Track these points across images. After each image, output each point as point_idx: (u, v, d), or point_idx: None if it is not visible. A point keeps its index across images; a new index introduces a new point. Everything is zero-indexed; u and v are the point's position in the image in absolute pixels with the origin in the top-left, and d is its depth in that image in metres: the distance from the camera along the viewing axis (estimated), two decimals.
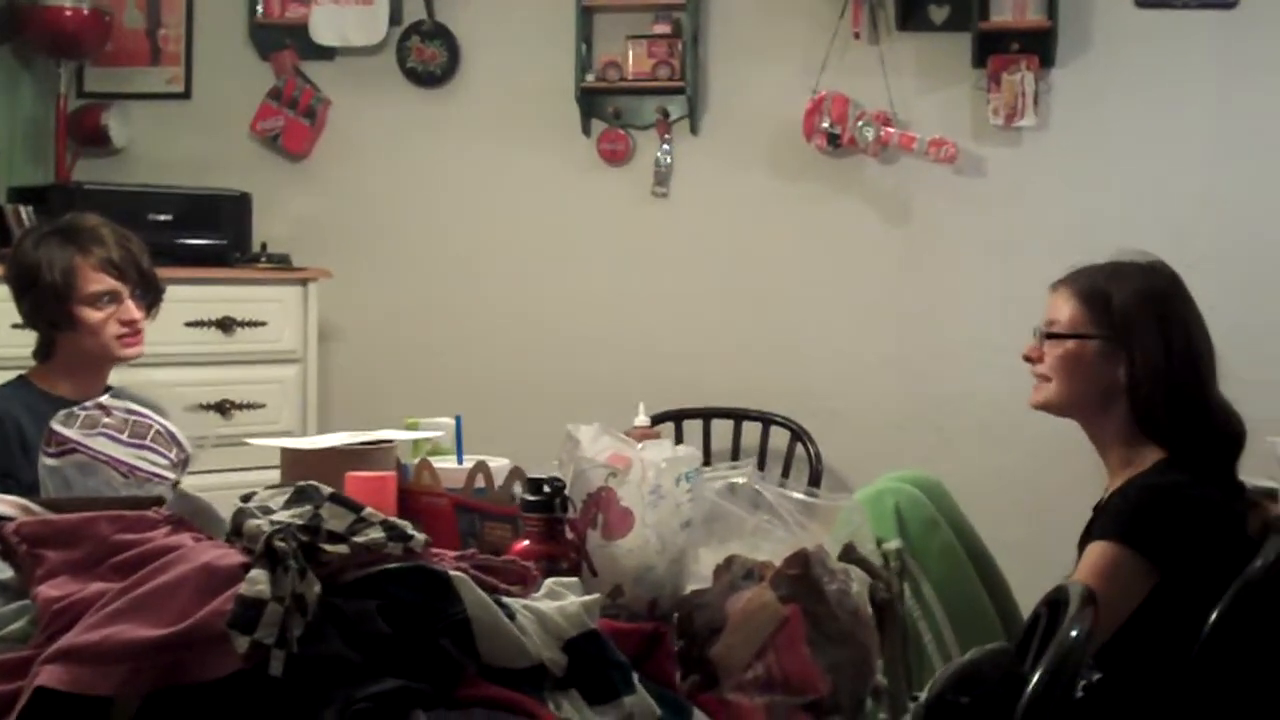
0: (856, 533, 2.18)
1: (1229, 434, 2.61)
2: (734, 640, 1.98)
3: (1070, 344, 2.64)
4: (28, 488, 2.50)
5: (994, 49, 4.53)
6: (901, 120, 4.59)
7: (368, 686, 1.45)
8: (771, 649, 1.97)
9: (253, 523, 1.56)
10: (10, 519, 1.78)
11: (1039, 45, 4.50)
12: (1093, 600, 2.00)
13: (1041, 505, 4.16)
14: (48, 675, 1.44)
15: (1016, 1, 4.47)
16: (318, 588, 1.51)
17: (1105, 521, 2.58)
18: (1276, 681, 2.38)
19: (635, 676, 1.73)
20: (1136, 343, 2.58)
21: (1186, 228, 4.36)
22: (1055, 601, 2.05)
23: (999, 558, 2.86)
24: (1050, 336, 2.67)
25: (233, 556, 1.55)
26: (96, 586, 1.58)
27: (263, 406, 4.31)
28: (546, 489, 2.06)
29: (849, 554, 2.10)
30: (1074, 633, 1.87)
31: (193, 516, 1.71)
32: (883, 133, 4.57)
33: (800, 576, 2.01)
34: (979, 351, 4.40)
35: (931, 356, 4.61)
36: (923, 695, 1.82)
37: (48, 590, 1.59)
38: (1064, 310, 2.66)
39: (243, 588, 1.46)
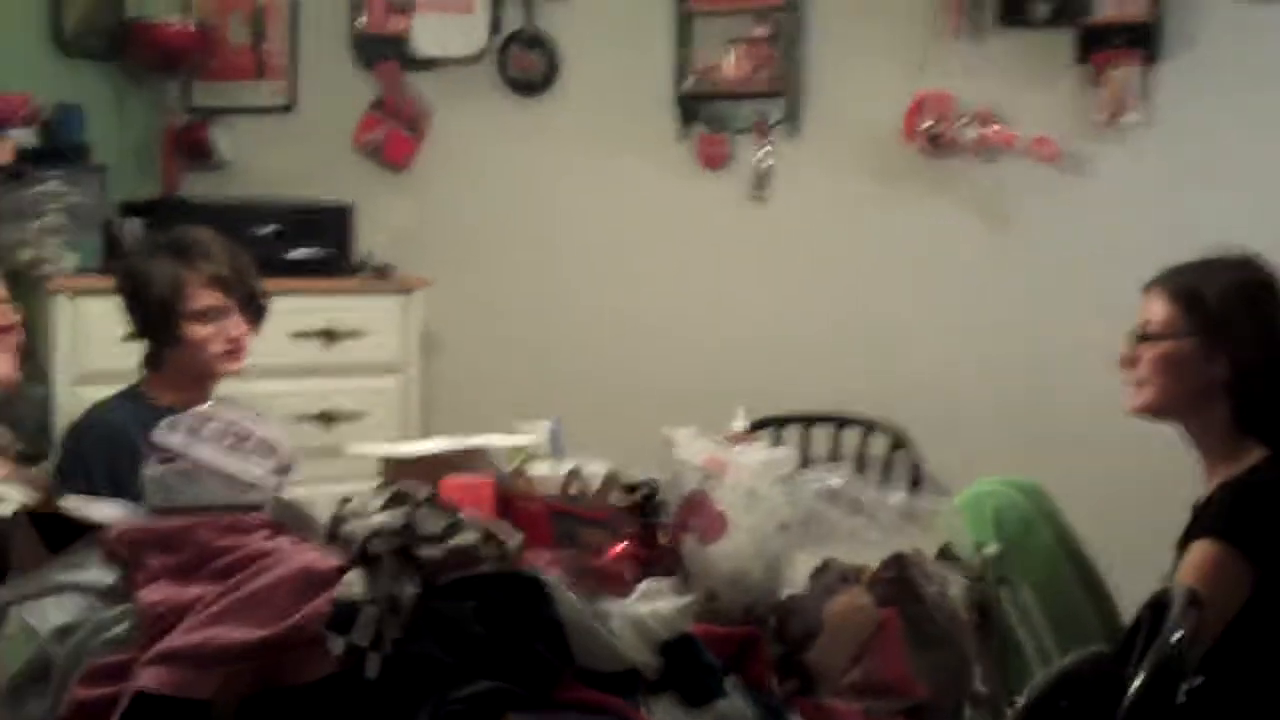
0: (954, 536, 2.16)
1: None
2: (830, 645, 1.97)
3: (1166, 344, 2.60)
4: (137, 498, 2.55)
5: (1097, 44, 4.46)
6: (1003, 119, 4.54)
7: (462, 688, 1.47)
8: (868, 653, 1.96)
9: (349, 526, 1.58)
10: (114, 526, 1.81)
11: (1143, 40, 4.42)
12: (1197, 603, 1.97)
13: (1142, 509, 4.07)
14: (148, 677, 1.47)
15: None
16: (413, 590, 1.52)
17: (1206, 521, 2.55)
18: None
19: (729, 681, 1.73)
20: (1233, 339, 2.55)
21: None
22: (1158, 604, 2.02)
23: (1101, 563, 2.82)
24: (1145, 338, 2.64)
25: (330, 560, 1.57)
26: (196, 590, 1.61)
27: (365, 417, 4.35)
28: (642, 492, 2.07)
29: (946, 555, 2.09)
30: (1176, 635, 1.84)
31: (291, 522, 1.73)
32: (984, 132, 4.52)
33: (897, 580, 2.00)
34: (1083, 355, 4.31)
35: (1034, 360, 4.55)
36: (1022, 699, 1.80)
37: (149, 594, 1.62)
38: (1158, 311, 2.63)
39: (339, 590, 1.48)
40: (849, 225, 4.72)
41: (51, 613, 1.69)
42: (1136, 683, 1.76)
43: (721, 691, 1.67)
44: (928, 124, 4.56)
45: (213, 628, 1.50)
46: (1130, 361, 2.69)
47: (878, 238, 4.70)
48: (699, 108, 4.80)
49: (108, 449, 3.13)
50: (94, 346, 3.98)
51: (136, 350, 3.38)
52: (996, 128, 4.50)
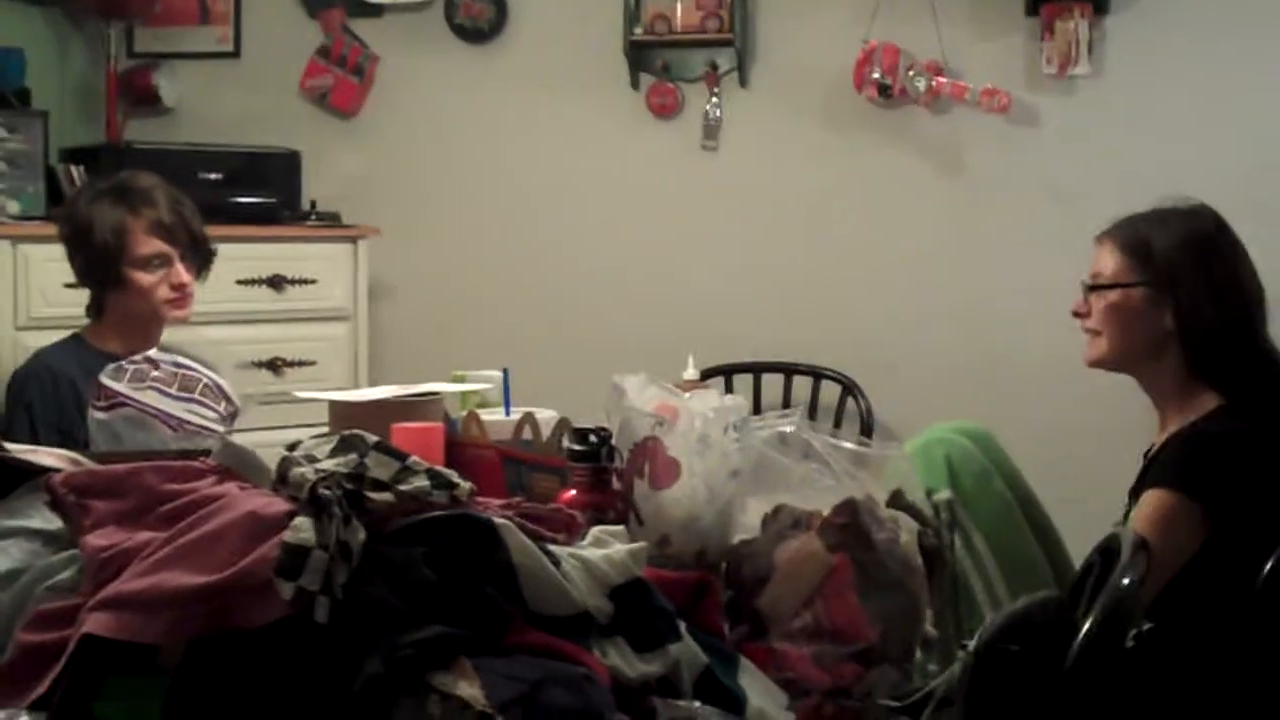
0: (905, 482, 2.17)
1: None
2: (782, 589, 1.97)
3: (1115, 294, 2.63)
4: (83, 444, 2.52)
5: None
6: (953, 70, 4.54)
7: (413, 633, 1.45)
8: (819, 598, 1.96)
9: (298, 470, 1.56)
10: (58, 471, 1.79)
11: None
12: (1145, 548, 1.98)
13: (1093, 456, 4.12)
14: (95, 623, 1.45)
15: None
16: (363, 535, 1.51)
17: (1159, 469, 2.57)
18: None
19: (682, 625, 1.73)
20: (1182, 288, 2.57)
21: (1243, 176, 4.29)
22: (1108, 549, 2.03)
23: (1050, 510, 2.84)
24: (1095, 289, 2.65)
25: (278, 504, 1.55)
26: (143, 536, 1.59)
27: (314, 364, 4.33)
28: (593, 439, 2.06)
29: (897, 500, 2.09)
30: (1126, 579, 1.85)
31: (239, 466, 1.71)
32: (934, 83, 4.52)
33: (848, 525, 2.00)
34: (1032, 304, 4.35)
35: (984, 309, 4.57)
36: (972, 643, 1.80)
37: (95, 540, 1.60)
38: (1108, 262, 2.65)
39: (288, 535, 1.46)
40: (800, 174, 4.72)
41: None
42: (1086, 625, 1.77)
43: (674, 635, 1.67)
44: (877, 74, 4.55)
45: (160, 573, 1.48)
46: (1083, 311, 2.71)
47: (828, 187, 4.71)
48: (649, 56, 4.78)
49: (52, 395, 3.12)
50: (36, 293, 3.94)
51: (80, 297, 3.36)
52: (946, 79, 4.50)
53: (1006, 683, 1.78)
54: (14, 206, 4.10)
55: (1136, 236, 2.66)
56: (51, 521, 1.72)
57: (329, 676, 1.44)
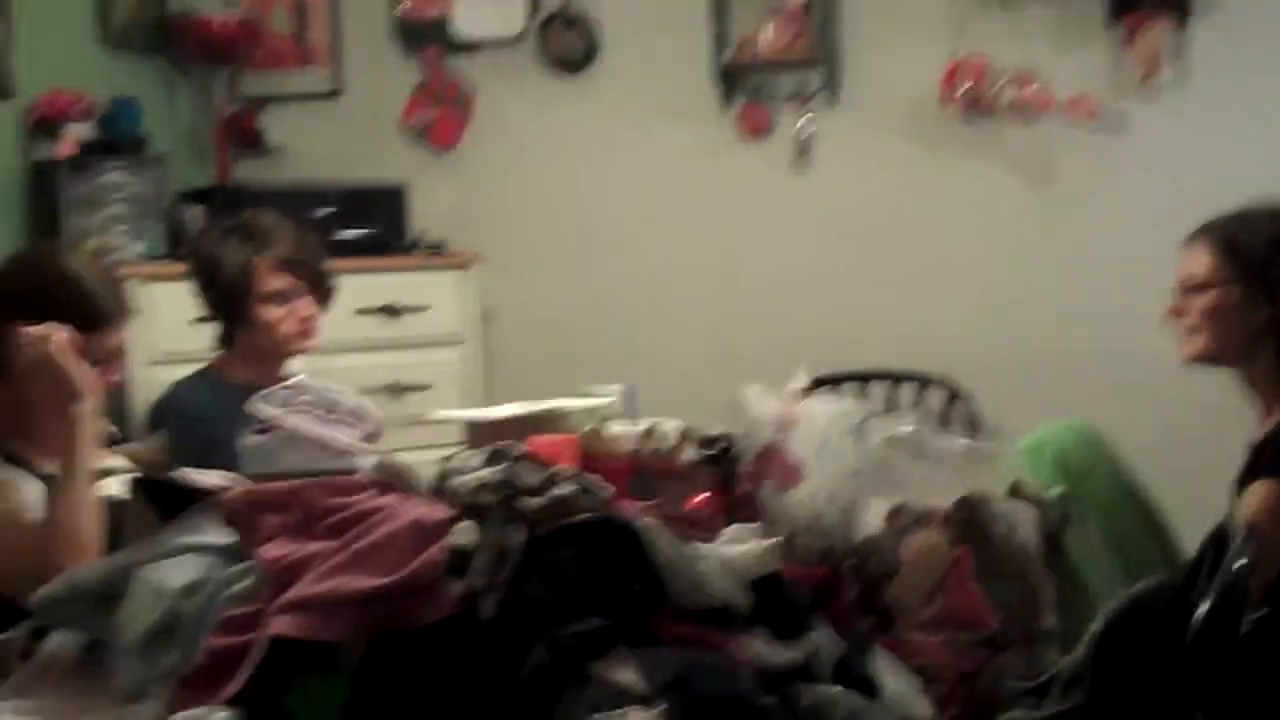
0: (1020, 476, 2.26)
1: None
2: (907, 582, 2.07)
3: (1210, 294, 2.69)
4: (220, 468, 2.64)
5: (1128, 6, 4.51)
6: (1039, 81, 4.60)
7: (572, 626, 1.56)
8: (943, 590, 2.06)
9: (457, 480, 1.68)
10: (226, 490, 1.92)
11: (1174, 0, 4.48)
12: (1255, 535, 2.06)
13: (1197, 450, 4.15)
14: (282, 624, 1.57)
15: None
16: (521, 536, 1.62)
17: (1264, 460, 2.62)
18: None
19: (816, 617, 1.83)
20: (1276, 284, 2.63)
21: None
22: (1219, 537, 2.11)
23: (1163, 502, 2.90)
24: (1190, 290, 2.72)
25: (439, 512, 1.67)
26: (314, 545, 1.71)
27: (430, 387, 4.45)
28: (719, 445, 2.16)
29: (1018, 491, 2.18)
30: (1238, 564, 1.93)
31: (396, 479, 1.83)
32: (1021, 93, 4.59)
33: (968, 520, 2.09)
34: (1128, 305, 4.38)
35: (1081, 312, 4.62)
36: (1094, 626, 1.89)
37: (269, 551, 1.72)
38: (1201, 262, 2.72)
39: (453, 538, 1.58)
40: (891, 189, 4.79)
41: (176, 572, 1.79)
42: (1202, 609, 1.85)
43: (810, 625, 1.77)
44: (965, 88, 4.62)
45: (338, 577, 1.60)
46: (1179, 312, 2.77)
47: (920, 200, 4.77)
48: (739, 79, 4.87)
49: (188, 424, 3.24)
50: (164, 329, 4.06)
51: (206, 331, 3.47)
52: (1034, 88, 4.57)
53: (1128, 663, 1.86)
54: (139, 247, 4.26)
55: (1228, 236, 2.73)
56: (224, 537, 1.84)
57: (496, 667, 1.55)
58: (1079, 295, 4.63)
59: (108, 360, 2.53)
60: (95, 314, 2.49)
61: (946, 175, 4.74)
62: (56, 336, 2.39)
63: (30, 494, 2.48)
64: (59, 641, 1.91)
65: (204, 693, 1.62)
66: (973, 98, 4.62)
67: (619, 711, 1.50)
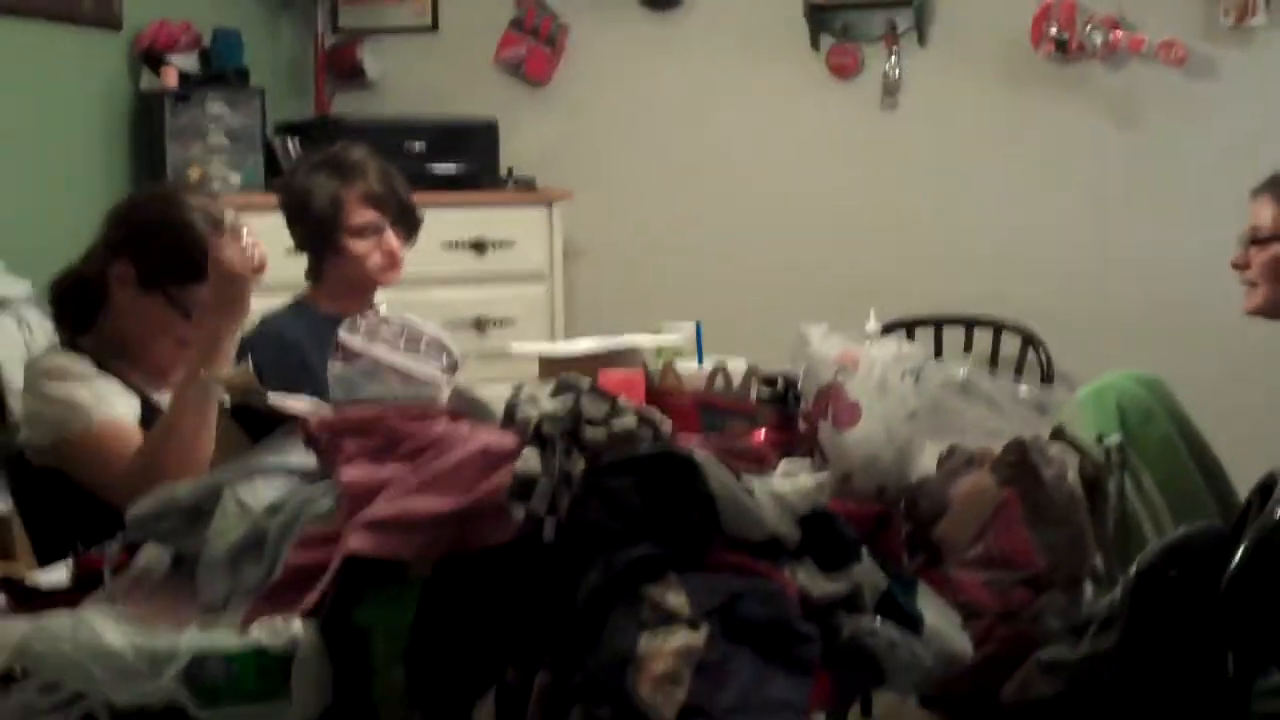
0: (1073, 424, 2.32)
1: None
2: (956, 522, 2.15)
3: (1275, 247, 2.72)
4: (311, 395, 2.77)
5: None
6: (1130, 23, 4.61)
7: (627, 551, 1.66)
8: (991, 530, 2.13)
9: (524, 411, 1.78)
10: (309, 415, 2.03)
11: None
12: None
13: (1264, 402, 4.19)
14: (357, 541, 1.69)
15: None
16: (582, 465, 1.72)
17: None
18: None
19: (864, 551, 1.92)
20: None
21: None
22: (1265, 486, 2.17)
23: (1223, 453, 2.95)
24: (1255, 242, 2.76)
25: (507, 440, 1.77)
26: (390, 469, 1.82)
27: (514, 322, 4.56)
28: (781, 384, 2.25)
29: (1058, 435, 2.25)
30: (1278, 513, 1.99)
31: (469, 409, 1.94)
32: (1111, 36, 4.60)
33: (1017, 463, 2.17)
34: (1209, 255, 4.41)
35: (1162, 261, 4.65)
36: (1134, 567, 1.96)
37: (348, 473, 1.84)
38: (1265, 215, 2.76)
39: (518, 465, 1.68)
40: (978, 131, 4.83)
41: (262, 491, 1.91)
42: (1239, 553, 1.91)
43: (856, 558, 1.85)
44: (1054, 30, 4.64)
45: (410, 499, 1.71)
46: (1243, 264, 2.82)
47: (1007, 143, 4.81)
48: (829, 18, 4.92)
49: (279, 359, 3.36)
50: None
51: (299, 261, 3.55)
52: (1122, 33, 4.58)
53: (1165, 605, 1.94)
54: (236, 178, 4.41)
55: (1262, 191, 2.76)
56: (307, 459, 1.96)
57: (555, 588, 1.66)
58: (1163, 244, 4.65)
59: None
60: (193, 265, 2.62)
61: (1034, 118, 4.77)
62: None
63: (130, 408, 2.64)
64: (150, 555, 2.04)
65: (283, 605, 1.73)
66: (1062, 40, 4.63)
67: (666, 631, 1.60)
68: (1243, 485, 2.86)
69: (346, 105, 5.10)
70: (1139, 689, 1.93)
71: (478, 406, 1.94)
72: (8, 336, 3.63)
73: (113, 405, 2.63)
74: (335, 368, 2.33)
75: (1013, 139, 4.80)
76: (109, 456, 2.57)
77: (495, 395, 2.03)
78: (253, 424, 2.12)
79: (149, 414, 2.69)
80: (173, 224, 2.68)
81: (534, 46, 5.12)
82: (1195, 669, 1.93)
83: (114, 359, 2.71)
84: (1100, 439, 2.70)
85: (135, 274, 2.66)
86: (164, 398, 2.71)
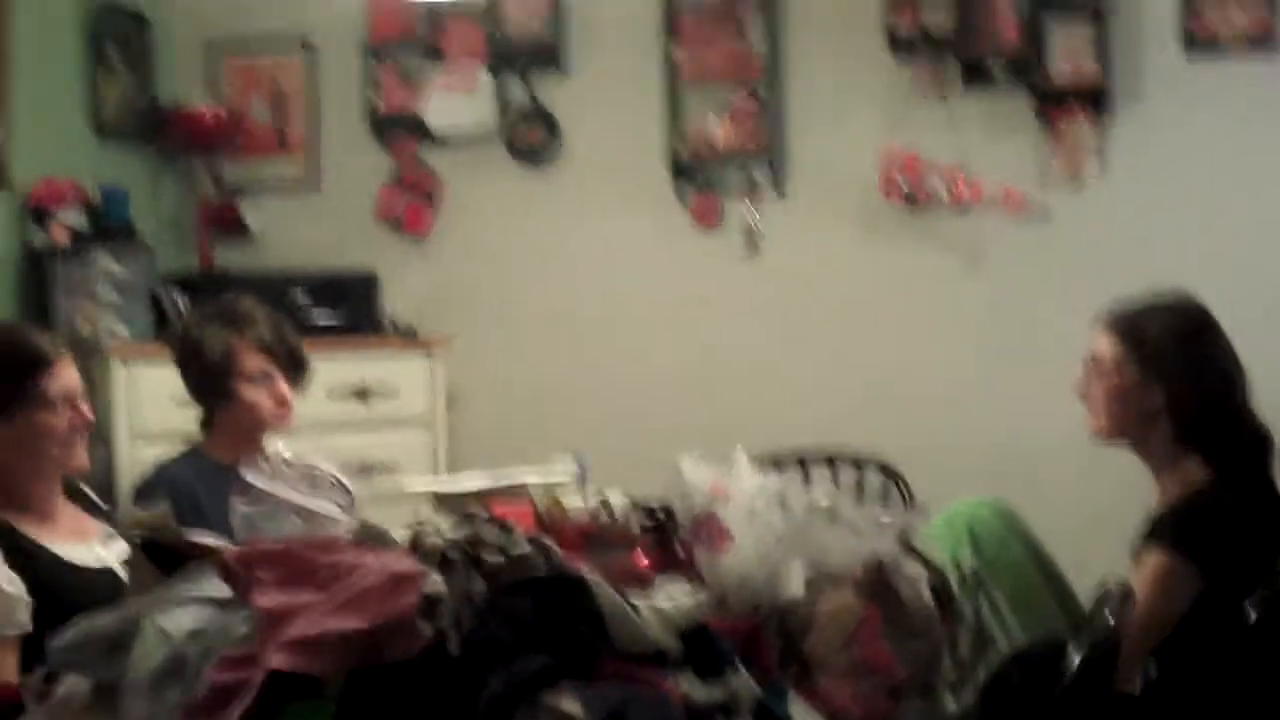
0: (926, 545, 2.53)
1: (1260, 440, 2.93)
2: (823, 636, 2.34)
3: (1112, 376, 2.97)
4: None
5: (1053, 103, 4.82)
6: (971, 173, 4.91)
7: (526, 662, 1.83)
8: (855, 643, 2.33)
9: (429, 540, 1.95)
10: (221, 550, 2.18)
11: (1095, 99, 4.79)
12: (1129, 595, 2.34)
13: (1104, 525, 4.38)
14: (278, 659, 1.84)
15: (1071, 58, 4.79)
16: (482, 587, 1.90)
17: (1157, 532, 2.88)
18: None
19: (739, 661, 2.10)
20: (1169, 371, 2.92)
21: (1245, 265, 4.65)
22: (1101, 599, 2.39)
23: (1068, 572, 3.16)
24: (1095, 370, 3.01)
25: (413, 566, 1.94)
26: (303, 596, 1.97)
27: (399, 466, 4.61)
28: (659, 514, 2.44)
29: (908, 548, 2.46)
30: (1109, 621, 2.21)
31: (374, 540, 2.10)
32: (955, 187, 4.89)
33: (877, 581, 2.37)
34: (1048, 389, 4.63)
35: (1009, 394, 4.89)
36: (981, 676, 2.16)
37: (264, 600, 1.99)
38: (1105, 345, 3.00)
39: (425, 587, 1.85)
40: (836, 276, 5.06)
41: (181, 619, 2.05)
42: (1073, 661, 2.12)
43: (732, 668, 2.04)
44: (902, 180, 4.93)
45: (325, 621, 1.87)
46: (1084, 391, 3.06)
47: (863, 287, 5.04)
48: (692, 172, 5.17)
49: (176, 501, 3.45)
50: (148, 408, 4.29)
51: (188, 410, 3.62)
52: (965, 181, 4.87)
53: (1011, 708, 2.13)
54: (125, 331, 4.48)
55: (1129, 324, 3.02)
56: (222, 590, 2.11)
57: (460, 697, 1.82)
58: (1010, 380, 4.90)
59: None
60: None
61: (886, 262, 5.02)
62: None
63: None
64: (72, 683, 2.16)
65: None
66: (909, 189, 4.92)
67: None
68: (1089, 600, 3.08)
69: (229, 259, 5.20)
70: None
71: (381, 536, 2.11)
72: None
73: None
74: (239, 507, 2.47)
75: (867, 282, 5.04)
76: None
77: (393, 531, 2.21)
78: (164, 562, 2.26)
79: (49, 572, 2.79)
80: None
81: (413, 202, 5.30)
82: None
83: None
84: (955, 562, 2.91)
85: None
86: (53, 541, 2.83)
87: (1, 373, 2.84)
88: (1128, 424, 2.99)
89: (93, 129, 4.94)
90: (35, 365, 2.83)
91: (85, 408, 2.94)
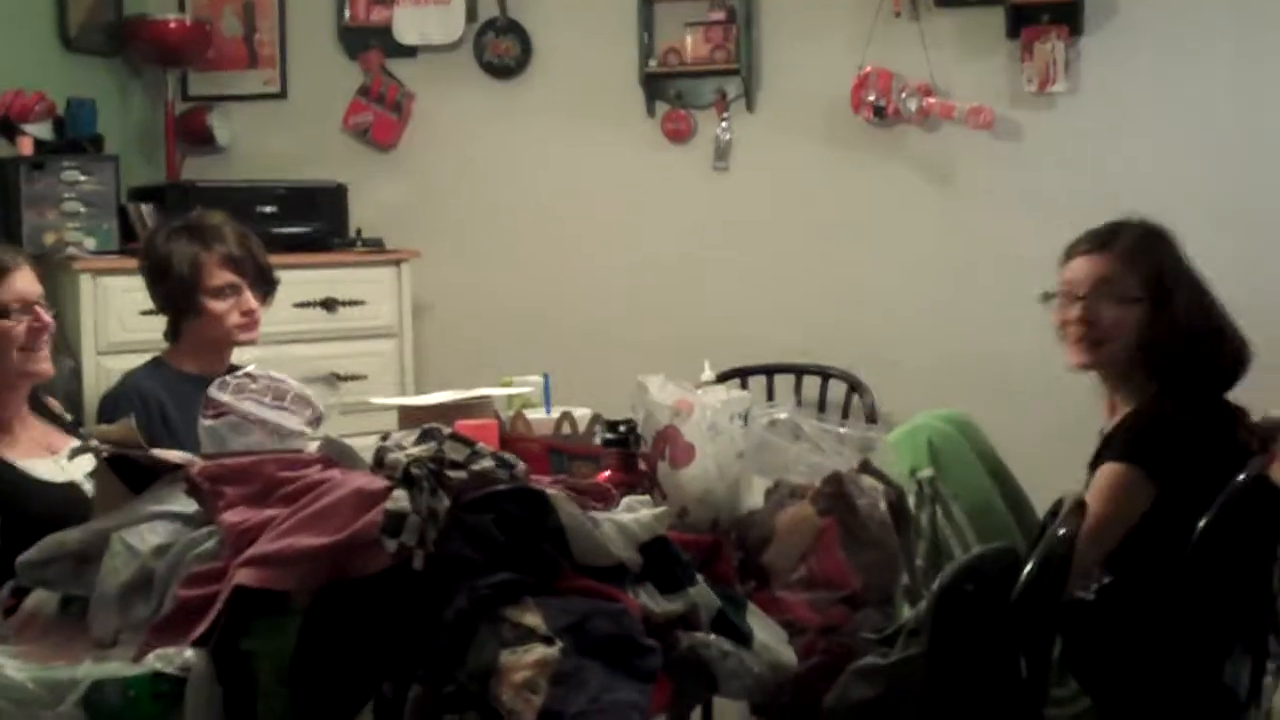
0: (881, 456, 2.57)
1: (1233, 364, 2.96)
2: (781, 548, 2.39)
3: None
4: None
5: (1026, 20, 4.85)
6: (941, 91, 4.93)
7: (489, 578, 1.87)
8: (812, 554, 2.38)
9: (392, 455, 1.98)
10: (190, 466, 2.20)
11: (1068, 15, 4.82)
12: (1082, 507, 2.38)
13: (1062, 437, 4.47)
14: (242, 576, 1.87)
15: None
16: (446, 503, 1.93)
17: (1113, 445, 2.92)
18: (1256, 578, 2.74)
19: (700, 577, 2.14)
20: (1149, 293, 2.92)
21: (1211, 182, 4.69)
22: (1054, 511, 2.43)
23: (1026, 483, 3.21)
24: (1076, 298, 2.99)
25: (377, 482, 1.97)
26: (269, 512, 2.00)
27: (365, 378, 4.68)
28: (622, 428, 2.47)
29: (865, 468, 2.50)
30: (1061, 531, 2.25)
31: (340, 456, 2.13)
32: (924, 103, 4.91)
33: (835, 494, 2.42)
34: (1015, 304, 4.70)
35: (972, 309, 4.95)
36: (936, 584, 2.20)
37: (230, 517, 2.02)
38: (1081, 273, 2.99)
39: (389, 504, 1.88)
40: (804, 190, 5.11)
41: (149, 535, 2.08)
42: (1026, 569, 2.16)
43: (692, 581, 2.08)
44: (872, 97, 4.95)
45: (290, 537, 1.90)
46: (1079, 320, 3.04)
47: (830, 201, 5.09)
48: (663, 86, 5.18)
49: (141, 412, 3.47)
50: (114, 320, 4.30)
51: (154, 322, 3.66)
52: (935, 99, 4.90)
53: (963, 617, 2.18)
54: (91, 243, 4.49)
55: (1105, 249, 3.01)
56: (189, 506, 2.14)
57: (425, 611, 1.86)
58: (974, 294, 4.96)
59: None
60: None
61: (855, 178, 5.06)
62: None
63: None
64: (39, 598, 2.19)
65: (173, 637, 1.91)
66: (879, 106, 4.94)
67: (524, 647, 1.81)
68: (1042, 511, 3.14)
69: (197, 171, 5.22)
70: (944, 692, 2.17)
71: (347, 453, 2.14)
72: None
73: None
74: (205, 422, 2.49)
75: (836, 198, 5.08)
76: None
77: (360, 445, 2.23)
78: (130, 476, 2.29)
79: (13, 487, 2.84)
80: None
81: (381, 113, 5.30)
82: (993, 673, 2.17)
83: None
84: (913, 473, 2.96)
85: None
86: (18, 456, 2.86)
87: None
88: (1113, 353, 2.97)
89: (60, 40, 4.94)
90: None
91: (45, 313, 2.94)
